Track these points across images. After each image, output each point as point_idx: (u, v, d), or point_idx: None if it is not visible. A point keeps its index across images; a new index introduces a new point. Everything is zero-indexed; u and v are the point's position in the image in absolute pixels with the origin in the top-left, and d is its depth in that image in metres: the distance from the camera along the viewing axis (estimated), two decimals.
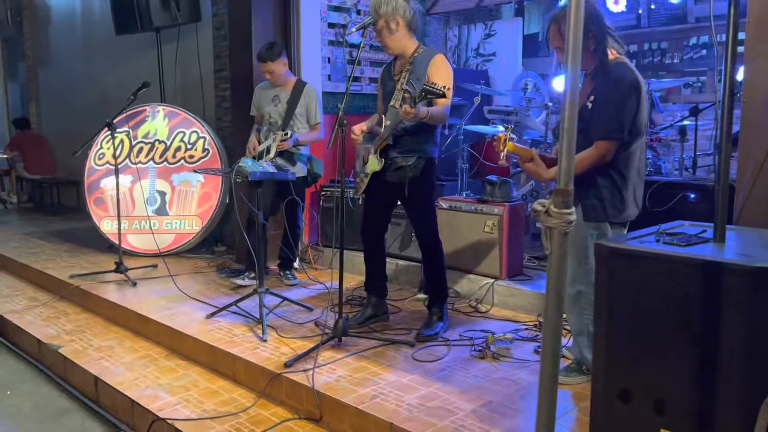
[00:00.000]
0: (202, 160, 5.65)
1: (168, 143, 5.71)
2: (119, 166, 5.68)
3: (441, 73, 3.31)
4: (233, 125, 5.44)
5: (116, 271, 4.86)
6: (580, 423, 2.48)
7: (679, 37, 7.47)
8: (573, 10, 1.39)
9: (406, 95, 3.20)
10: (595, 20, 2.60)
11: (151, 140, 5.73)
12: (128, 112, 5.75)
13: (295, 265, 4.91)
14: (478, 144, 6.53)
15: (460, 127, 5.44)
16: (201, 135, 5.67)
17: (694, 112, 4.34)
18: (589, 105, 2.65)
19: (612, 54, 2.62)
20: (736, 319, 1.83)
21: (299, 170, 4.49)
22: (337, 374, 2.98)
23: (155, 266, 5.22)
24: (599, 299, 2.16)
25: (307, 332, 3.59)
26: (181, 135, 5.70)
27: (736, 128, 5.06)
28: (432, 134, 3.46)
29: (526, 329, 3.59)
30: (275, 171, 3.73)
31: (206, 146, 5.64)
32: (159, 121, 5.73)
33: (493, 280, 4.06)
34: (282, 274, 4.77)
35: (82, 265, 5.35)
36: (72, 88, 8.51)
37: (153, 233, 5.31)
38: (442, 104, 3.25)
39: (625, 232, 2.70)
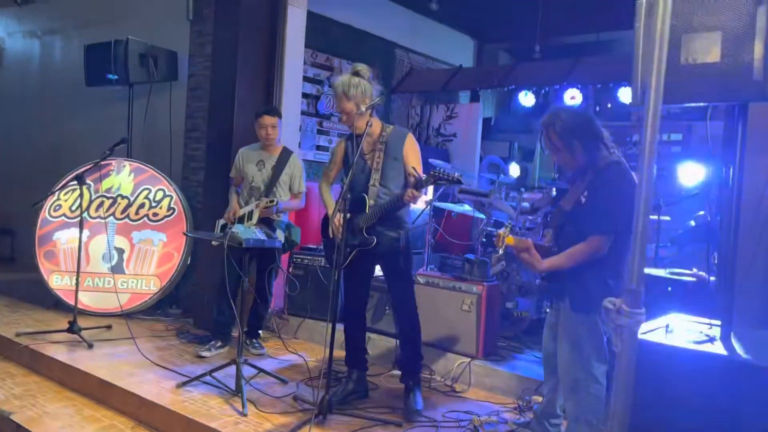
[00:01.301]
0: (166, 219, 5.51)
1: (131, 199, 5.55)
2: (75, 220, 5.51)
3: (415, 152, 3.49)
4: (205, 185, 5.36)
5: (69, 330, 4.58)
6: None
7: (622, 133, 8.04)
8: (650, 120, 1.51)
9: (410, 178, 3.26)
10: (581, 129, 2.77)
11: (114, 195, 5.55)
12: (90, 165, 5.58)
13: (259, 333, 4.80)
14: (437, 219, 6.69)
15: (431, 202, 5.56)
16: (167, 193, 5.55)
17: (657, 208, 4.64)
18: (583, 200, 2.78)
19: (606, 155, 2.78)
20: (759, 412, 1.93)
21: (278, 237, 4.46)
22: None
23: (109, 327, 4.98)
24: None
25: (287, 407, 3.49)
26: (146, 192, 5.55)
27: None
28: (408, 208, 3.56)
29: (507, 412, 3.61)
30: (265, 238, 3.69)
31: (172, 205, 5.52)
32: (124, 176, 5.58)
33: (469, 359, 4.09)
34: (248, 342, 4.64)
35: (27, 323, 5.01)
36: (16, 133, 8.16)
37: (116, 292, 5.10)
38: None
39: None
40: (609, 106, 7.07)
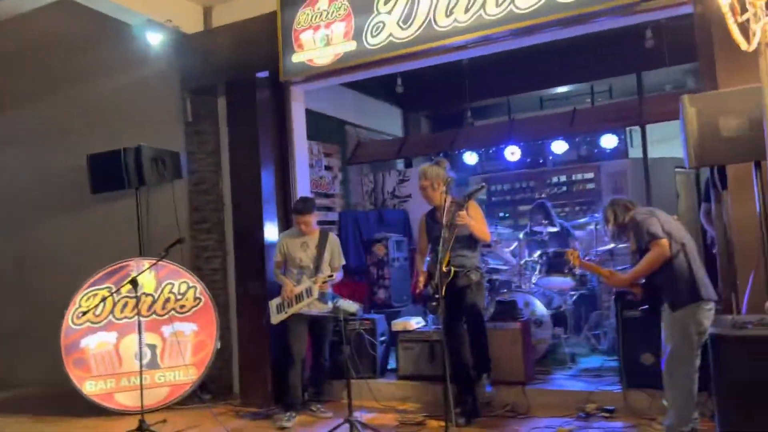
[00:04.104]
0: (194, 309, 5.78)
1: (156, 296, 5.76)
2: (101, 324, 5.64)
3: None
4: (237, 272, 5.74)
5: (139, 430, 4.75)
6: None
7: (545, 176, 9.38)
8: None
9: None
10: (607, 215, 3.82)
11: (137, 294, 5.72)
12: (110, 269, 5.76)
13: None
14: None
15: None
16: (191, 285, 5.83)
17: None
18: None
19: (628, 214, 3.83)
20: None
21: (329, 307, 4.96)
22: None
23: (164, 421, 5.15)
24: (718, 372, 3.08)
25: None
26: (170, 286, 5.80)
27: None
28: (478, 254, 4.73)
29: (575, 419, 4.38)
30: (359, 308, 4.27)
31: (197, 295, 5.80)
32: (145, 275, 5.77)
33: (521, 385, 4.83)
34: (314, 408, 5.05)
35: None
36: None
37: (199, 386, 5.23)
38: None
39: (711, 309, 3.65)
40: (541, 161, 8.33)
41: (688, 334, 3.60)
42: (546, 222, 6.17)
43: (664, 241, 3.61)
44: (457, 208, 4.28)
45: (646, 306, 4.02)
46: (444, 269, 4.30)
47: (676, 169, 8.93)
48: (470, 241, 4.50)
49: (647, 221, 3.69)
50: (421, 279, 4.58)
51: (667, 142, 9.10)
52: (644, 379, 4.40)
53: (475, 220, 4.42)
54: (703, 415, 3.94)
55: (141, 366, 4.97)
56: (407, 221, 8.34)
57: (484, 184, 4.34)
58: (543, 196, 9.37)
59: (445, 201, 4.25)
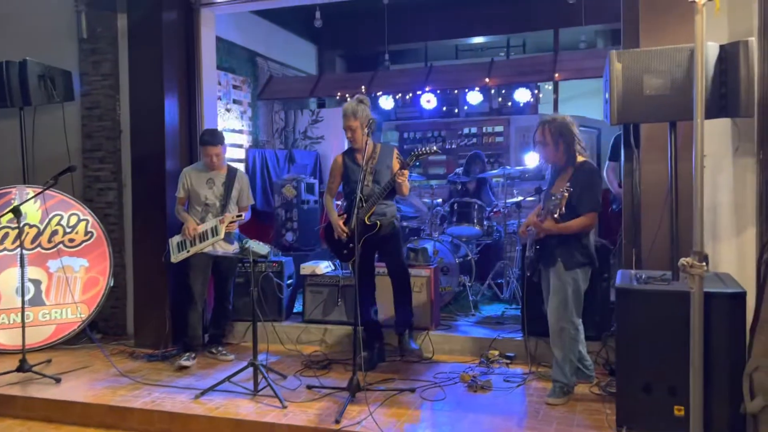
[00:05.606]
0: (85, 243, 5.36)
1: (41, 227, 5.28)
2: None
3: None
4: (135, 207, 5.33)
5: (20, 370, 4.40)
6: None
7: (457, 127, 9.41)
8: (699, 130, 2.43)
9: (397, 162, 4.35)
10: (566, 132, 3.66)
11: (19, 225, 5.22)
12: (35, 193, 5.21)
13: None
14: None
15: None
16: (82, 217, 5.38)
17: (539, 191, 5.82)
18: (567, 192, 3.61)
19: (580, 156, 3.71)
20: (719, 326, 3.00)
21: (235, 248, 4.74)
22: (383, 422, 3.46)
23: (49, 361, 4.80)
24: (621, 324, 3.20)
25: (310, 394, 3.94)
26: (58, 218, 5.32)
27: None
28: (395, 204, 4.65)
29: (477, 366, 4.47)
30: (269, 250, 4.07)
31: (89, 229, 5.37)
32: (29, 204, 5.26)
33: (426, 331, 4.87)
34: (215, 351, 4.87)
35: None
36: None
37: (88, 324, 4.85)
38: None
39: (588, 275, 3.76)
40: (456, 111, 8.30)
41: (579, 290, 3.69)
42: (480, 171, 6.24)
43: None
44: (402, 165, 4.22)
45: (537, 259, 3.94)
46: (368, 222, 4.21)
47: (581, 128, 9.28)
48: (391, 191, 4.39)
49: (600, 189, 3.62)
50: (342, 226, 4.38)
51: (573, 100, 9.38)
52: (544, 328, 4.52)
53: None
54: (596, 363, 4.14)
55: (23, 302, 4.56)
56: (318, 163, 8.13)
57: (437, 148, 4.19)
58: (454, 146, 9.48)
59: (365, 143, 4.08)
